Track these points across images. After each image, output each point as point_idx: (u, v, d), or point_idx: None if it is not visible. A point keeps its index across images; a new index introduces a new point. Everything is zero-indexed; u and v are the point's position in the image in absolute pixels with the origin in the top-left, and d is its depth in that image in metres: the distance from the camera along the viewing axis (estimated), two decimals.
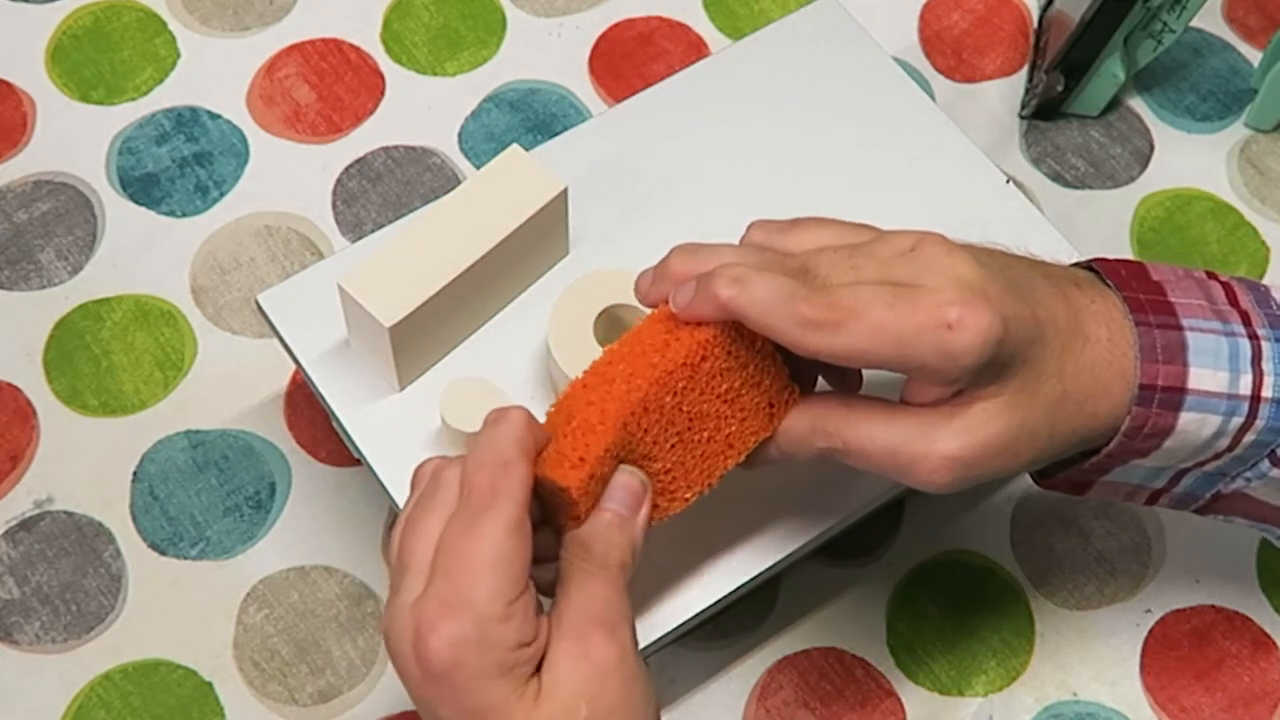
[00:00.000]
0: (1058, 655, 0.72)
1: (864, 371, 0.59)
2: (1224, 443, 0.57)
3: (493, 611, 0.49)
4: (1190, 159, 0.86)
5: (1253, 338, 0.57)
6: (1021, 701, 0.71)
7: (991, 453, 0.54)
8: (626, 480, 0.54)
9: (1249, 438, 0.57)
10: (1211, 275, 0.59)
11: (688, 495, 0.56)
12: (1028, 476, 0.75)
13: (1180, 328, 0.56)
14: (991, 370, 0.53)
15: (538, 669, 0.51)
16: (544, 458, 0.54)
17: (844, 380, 0.59)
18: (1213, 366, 0.56)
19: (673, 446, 0.55)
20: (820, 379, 0.59)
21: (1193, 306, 0.57)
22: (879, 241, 0.55)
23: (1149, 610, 0.74)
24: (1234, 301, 0.58)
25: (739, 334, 0.55)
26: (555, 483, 0.53)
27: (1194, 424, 0.56)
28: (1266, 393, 0.56)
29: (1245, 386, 0.56)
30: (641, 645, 0.63)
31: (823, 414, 0.56)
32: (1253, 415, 0.56)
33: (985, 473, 0.54)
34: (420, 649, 0.50)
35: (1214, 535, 0.75)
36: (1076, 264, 0.59)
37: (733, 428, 0.56)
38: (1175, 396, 0.55)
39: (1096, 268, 0.58)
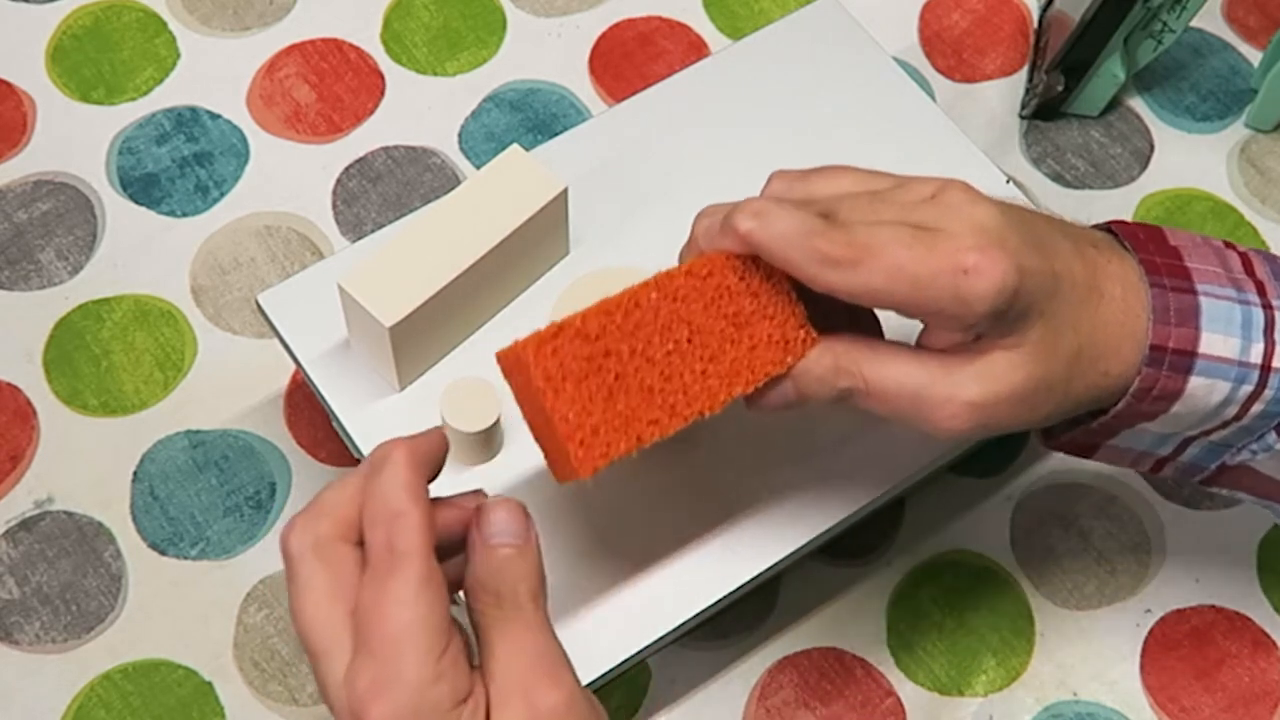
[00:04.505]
0: (1058, 655, 0.72)
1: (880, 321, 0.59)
2: (1231, 411, 0.57)
3: (423, 676, 0.47)
4: (1190, 159, 0.86)
5: (1267, 307, 0.57)
6: (1021, 701, 0.71)
7: (1012, 402, 0.54)
8: (503, 512, 0.51)
9: (1257, 408, 0.57)
10: (1229, 245, 0.59)
11: (686, 413, 0.55)
12: (1026, 477, 0.76)
13: (1194, 292, 0.56)
14: (1007, 320, 0.53)
15: None
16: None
17: (863, 328, 0.58)
18: (1224, 332, 0.56)
19: (668, 353, 0.55)
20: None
21: (1208, 273, 0.57)
22: (902, 187, 0.55)
23: (1149, 610, 0.74)
24: (1250, 271, 0.58)
25: (756, 263, 0.55)
26: (508, 357, 0.53)
27: (1203, 389, 0.56)
28: (1277, 363, 0.56)
29: (1256, 355, 0.56)
30: (642, 645, 0.63)
31: (845, 352, 0.55)
32: (1262, 384, 0.56)
33: (1002, 423, 0.55)
34: None
35: (1214, 535, 0.75)
36: (1095, 226, 0.59)
37: (740, 353, 0.55)
38: (1185, 360, 0.55)
39: (1115, 229, 0.58)
